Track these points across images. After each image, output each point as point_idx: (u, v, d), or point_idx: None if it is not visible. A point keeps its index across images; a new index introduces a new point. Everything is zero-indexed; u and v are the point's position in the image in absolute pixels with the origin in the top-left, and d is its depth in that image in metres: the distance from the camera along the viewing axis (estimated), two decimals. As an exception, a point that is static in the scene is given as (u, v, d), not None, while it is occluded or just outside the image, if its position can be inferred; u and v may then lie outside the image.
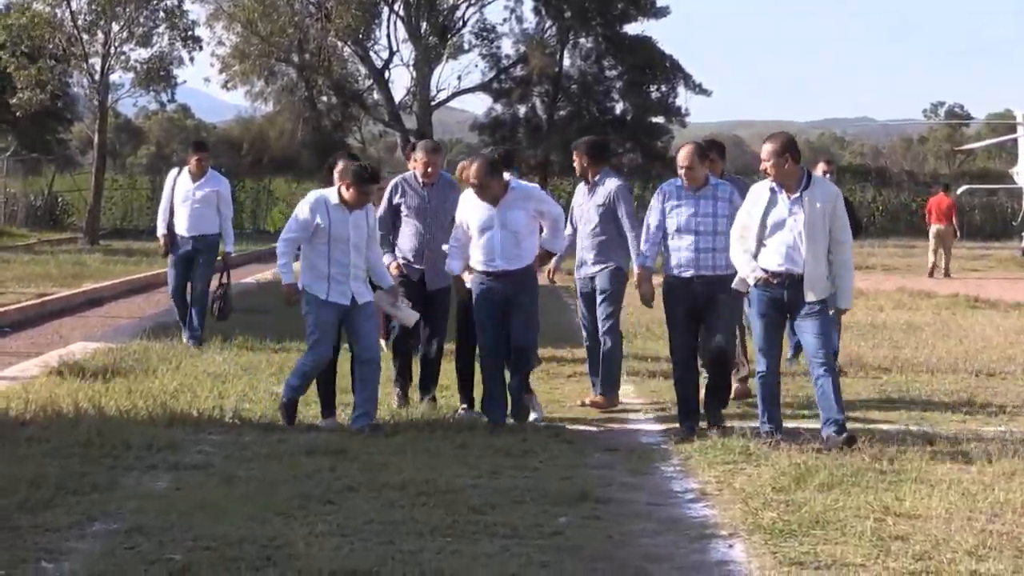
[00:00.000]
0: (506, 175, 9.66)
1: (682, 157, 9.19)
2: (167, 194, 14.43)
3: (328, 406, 9.68)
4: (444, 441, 9.12)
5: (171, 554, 6.54)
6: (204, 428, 9.64)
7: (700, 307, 9.15)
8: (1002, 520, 7.24)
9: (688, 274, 9.08)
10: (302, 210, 8.92)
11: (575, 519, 7.28)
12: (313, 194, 9.06)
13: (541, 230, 10.12)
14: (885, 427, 10.06)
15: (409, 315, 9.73)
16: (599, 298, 10.68)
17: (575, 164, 11.03)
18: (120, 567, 6.31)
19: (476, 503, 7.61)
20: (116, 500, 7.46)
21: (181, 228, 14.34)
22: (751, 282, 8.58)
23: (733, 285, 8.96)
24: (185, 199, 14.29)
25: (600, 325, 10.68)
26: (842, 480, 8.33)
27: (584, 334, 11.45)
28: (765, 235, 8.48)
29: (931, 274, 30.50)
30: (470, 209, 9.55)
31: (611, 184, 10.79)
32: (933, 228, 31.03)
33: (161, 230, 14.55)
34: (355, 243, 8.83)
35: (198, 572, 6.25)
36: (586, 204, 10.80)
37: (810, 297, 8.43)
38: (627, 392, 11.98)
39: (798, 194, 8.43)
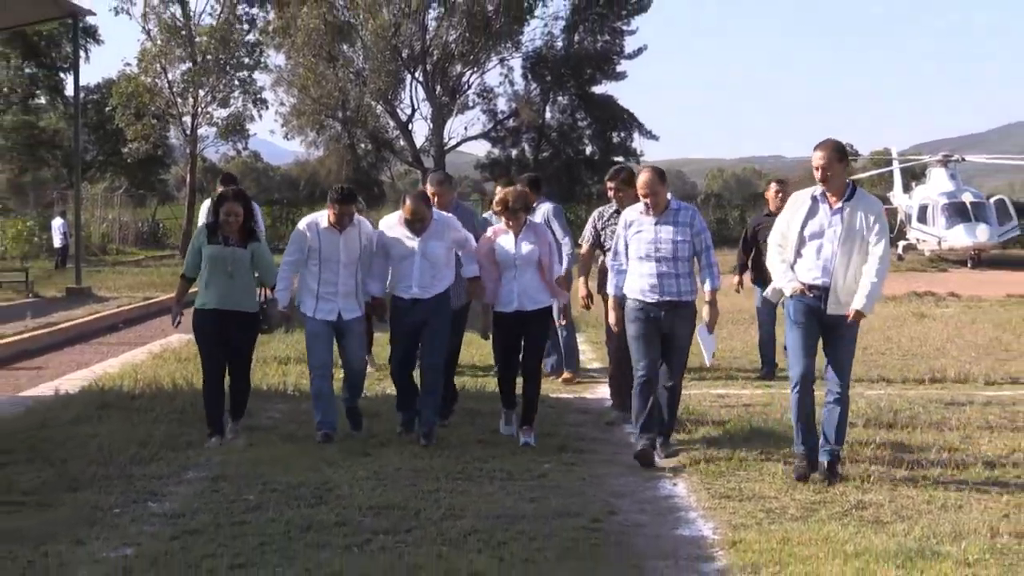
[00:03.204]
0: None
1: (642, 184, 7.50)
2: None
3: (214, 423, 7.94)
4: (456, 406, 9.10)
5: (247, 495, 6.58)
6: (272, 399, 9.63)
7: (663, 331, 7.42)
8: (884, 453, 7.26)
9: (652, 299, 7.35)
10: (296, 233, 7.93)
11: (556, 465, 7.35)
12: (305, 219, 8.09)
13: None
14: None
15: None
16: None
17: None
18: (208, 506, 6.36)
19: (480, 454, 7.65)
20: (204, 455, 7.54)
21: None
22: (788, 293, 6.86)
23: (765, 294, 7.67)
24: None
25: (556, 320, 9.56)
26: (762, 433, 8.35)
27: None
28: (803, 245, 6.85)
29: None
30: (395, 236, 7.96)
31: (545, 207, 10.29)
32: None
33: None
34: (345, 263, 7.76)
35: (267, 508, 6.28)
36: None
37: (833, 308, 6.70)
38: (593, 361, 12.03)
39: (840, 204, 6.74)
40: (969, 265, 32.41)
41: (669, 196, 7.69)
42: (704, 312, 7.71)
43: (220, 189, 8.89)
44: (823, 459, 6.89)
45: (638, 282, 7.45)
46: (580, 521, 6.10)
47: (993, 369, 11.89)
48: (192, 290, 8.11)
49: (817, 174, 6.78)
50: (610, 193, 9.04)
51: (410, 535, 5.80)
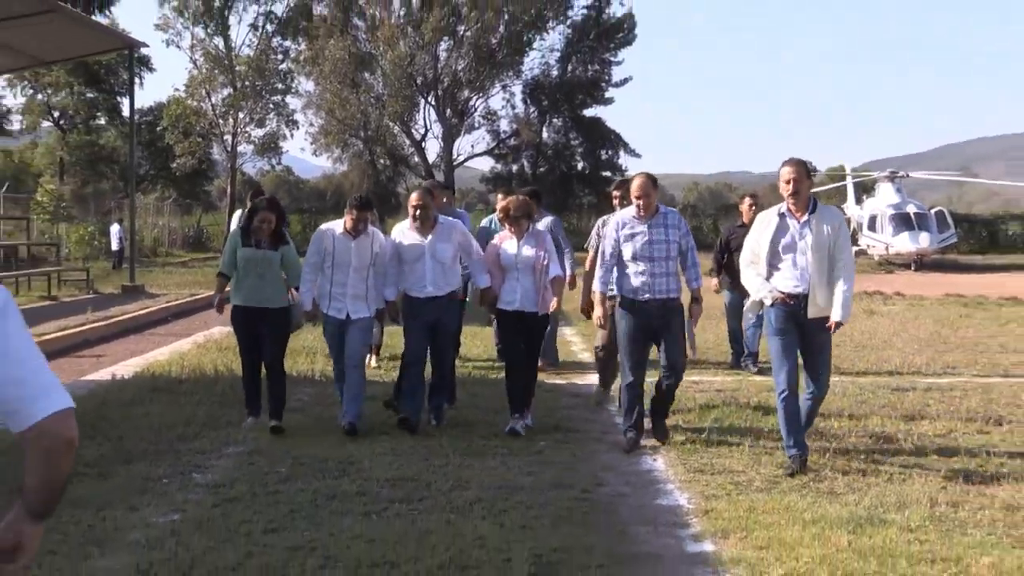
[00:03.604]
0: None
1: (636, 187, 7.19)
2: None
3: (251, 404, 7.83)
4: (462, 390, 9.10)
5: (279, 468, 6.60)
6: (301, 384, 9.61)
7: (654, 327, 7.10)
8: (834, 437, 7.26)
9: (644, 297, 7.03)
10: (314, 239, 7.68)
11: (551, 443, 7.36)
12: (322, 227, 7.87)
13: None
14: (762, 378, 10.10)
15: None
16: None
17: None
18: (245, 477, 6.39)
19: (484, 433, 7.65)
20: (242, 432, 7.53)
21: None
22: (768, 303, 6.55)
23: (747, 308, 7.45)
24: None
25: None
26: (731, 415, 8.35)
27: None
28: (777, 259, 6.51)
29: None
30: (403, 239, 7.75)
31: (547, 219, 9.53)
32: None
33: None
34: (356, 267, 7.51)
35: (297, 480, 6.30)
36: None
37: (812, 312, 6.39)
38: (583, 354, 12.04)
39: (806, 218, 6.48)
40: (913, 268, 32.47)
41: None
42: (689, 308, 7.43)
43: (249, 202, 8.66)
44: (793, 452, 6.53)
45: (631, 282, 7.14)
46: (572, 492, 6.11)
47: (933, 359, 11.92)
48: (226, 289, 8.00)
49: (788, 187, 6.52)
50: (615, 201, 8.66)
51: (422, 504, 5.81)
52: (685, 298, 7.35)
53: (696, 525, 5.50)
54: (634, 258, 7.07)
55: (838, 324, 6.47)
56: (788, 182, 6.46)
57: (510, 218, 7.67)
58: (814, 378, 6.65)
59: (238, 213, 10.86)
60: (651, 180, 7.25)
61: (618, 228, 7.23)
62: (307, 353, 11.46)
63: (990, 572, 4.73)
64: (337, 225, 7.63)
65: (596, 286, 7.42)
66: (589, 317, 8.47)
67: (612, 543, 5.18)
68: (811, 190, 6.71)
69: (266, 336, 7.65)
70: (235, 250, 7.63)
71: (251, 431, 7.57)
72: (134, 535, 5.24)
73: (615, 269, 7.26)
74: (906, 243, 33.24)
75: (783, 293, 6.48)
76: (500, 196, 9.29)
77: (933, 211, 36.64)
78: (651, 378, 7.47)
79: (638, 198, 7.14)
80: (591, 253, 8.57)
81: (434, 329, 7.68)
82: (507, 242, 7.66)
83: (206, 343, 12.78)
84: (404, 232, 7.67)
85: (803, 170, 6.54)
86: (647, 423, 7.36)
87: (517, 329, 7.67)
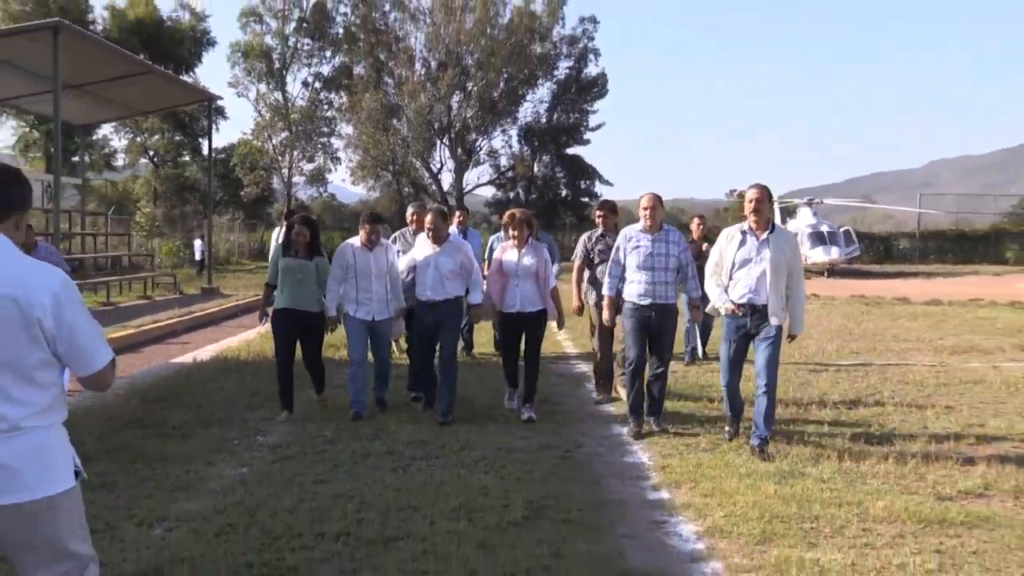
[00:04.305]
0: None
1: (645, 201, 6.70)
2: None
3: (284, 399, 7.18)
4: (471, 372, 9.08)
5: (325, 432, 6.59)
6: (341, 368, 9.57)
7: (652, 329, 6.60)
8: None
9: (646, 303, 6.54)
10: (337, 255, 7.18)
11: (540, 414, 7.27)
12: (342, 244, 7.32)
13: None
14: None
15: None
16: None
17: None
18: (298, 440, 6.37)
19: (487, 405, 7.62)
20: (296, 405, 7.33)
21: None
22: (722, 312, 6.15)
23: (707, 310, 6.61)
24: None
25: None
26: (683, 393, 8.34)
27: None
28: (734, 270, 6.09)
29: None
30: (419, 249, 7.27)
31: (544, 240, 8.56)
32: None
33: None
34: (376, 275, 7.09)
35: (339, 442, 6.29)
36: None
37: (773, 321, 5.94)
38: (568, 346, 12.04)
39: (765, 237, 6.02)
40: (826, 275, 32.40)
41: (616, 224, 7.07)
42: (691, 312, 7.17)
43: (285, 220, 8.12)
44: (754, 442, 5.99)
45: (635, 288, 6.62)
46: (557, 452, 6.11)
47: (841, 347, 11.93)
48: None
49: (751, 205, 6.08)
50: (597, 219, 8.17)
51: (438, 461, 5.80)
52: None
53: (655, 477, 5.51)
54: (638, 267, 6.61)
55: (791, 336, 6.14)
56: (751, 201, 6.09)
57: (515, 221, 7.20)
58: (768, 373, 5.97)
59: (277, 230, 9.94)
60: (657, 197, 6.76)
61: (626, 240, 6.74)
62: (342, 346, 11.42)
63: (884, 512, 4.75)
64: (355, 240, 7.21)
65: (605, 291, 6.89)
66: (578, 314, 8.25)
67: (588, 492, 5.19)
68: (771, 209, 6.26)
69: (304, 336, 7.16)
70: (277, 261, 7.21)
71: (303, 405, 7.46)
72: (211, 484, 5.25)
73: (621, 275, 6.78)
74: (820, 255, 33.30)
75: (735, 304, 6.04)
76: (507, 215, 9.02)
77: (842, 230, 36.65)
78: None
79: (646, 209, 6.67)
80: (577, 262, 8.16)
81: (436, 330, 7.07)
82: (509, 252, 7.21)
83: (267, 333, 12.60)
84: (421, 243, 7.24)
85: (765, 193, 6.13)
86: (652, 424, 6.74)
87: (517, 328, 7.21)
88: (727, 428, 6.44)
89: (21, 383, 2.45)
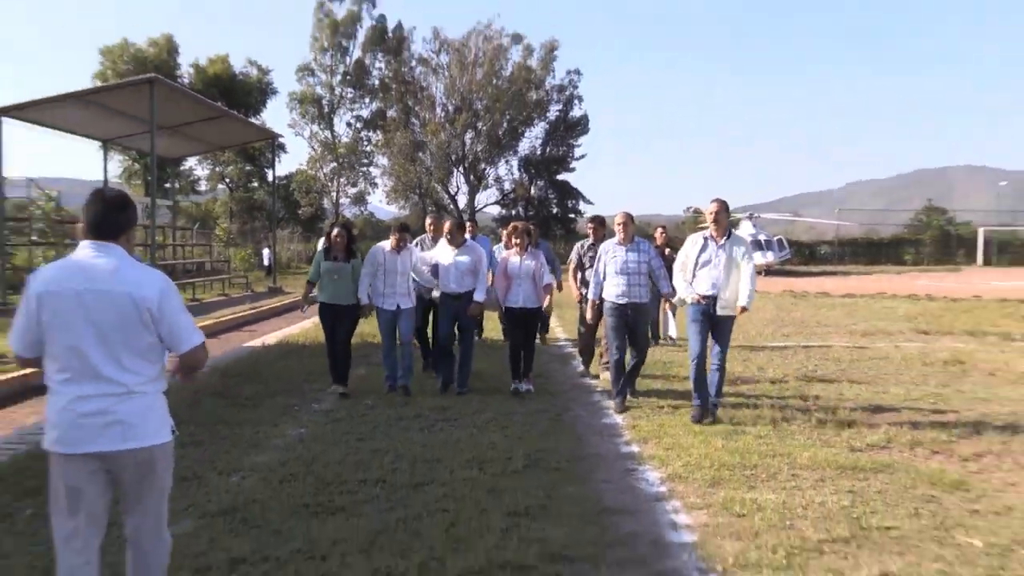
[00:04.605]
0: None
1: (619, 218, 6.56)
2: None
3: (335, 375, 7.00)
4: (480, 352, 8.83)
5: (366, 401, 6.59)
6: (376, 350, 9.57)
7: (629, 323, 6.38)
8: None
9: (623, 302, 6.36)
10: (369, 256, 6.98)
11: (536, 385, 7.21)
12: (374, 247, 7.10)
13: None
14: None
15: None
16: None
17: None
18: (345, 407, 6.36)
19: (496, 381, 7.56)
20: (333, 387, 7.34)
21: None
22: (689, 301, 5.98)
23: (674, 300, 6.44)
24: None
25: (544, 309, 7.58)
26: (657, 367, 8.35)
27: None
28: (697, 268, 5.95)
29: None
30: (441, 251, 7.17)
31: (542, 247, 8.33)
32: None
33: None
34: (401, 273, 6.90)
35: (377, 408, 6.28)
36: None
37: (726, 312, 5.88)
38: (559, 332, 12.03)
39: (723, 242, 5.93)
40: (763, 274, 32.32)
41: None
42: (665, 305, 6.95)
43: (327, 228, 7.87)
44: (708, 407, 5.90)
45: (613, 289, 6.43)
46: (549, 415, 6.12)
47: (775, 331, 11.88)
48: (313, 293, 7.28)
49: (711, 216, 5.94)
50: (589, 231, 8.04)
51: (456, 423, 5.80)
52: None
53: (626, 435, 5.51)
54: (616, 273, 6.43)
55: (744, 309, 5.95)
56: (712, 213, 5.95)
57: (517, 232, 7.10)
58: (721, 349, 5.94)
59: (321, 239, 9.34)
60: (629, 215, 6.59)
61: (605, 252, 6.58)
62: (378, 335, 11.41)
63: (808, 461, 4.76)
64: (385, 244, 7.05)
65: (590, 294, 6.67)
66: (580, 302, 7.97)
67: (574, 447, 5.19)
68: (728, 219, 6.05)
69: (338, 324, 7.00)
70: (319, 263, 7.08)
71: (351, 380, 7.40)
72: (276, 442, 5.26)
73: (602, 280, 6.58)
74: (758, 258, 33.14)
75: (699, 295, 5.91)
76: (509, 227, 8.90)
77: (775, 238, 36.52)
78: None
79: (619, 225, 6.53)
80: (572, 266, 8.09)
81: (456, 316, 7.01)
82: (512, 257, 7.10)
83: (319, 323, 12.68)
84: (442, 247, 7.17)
85: (723, 206, 5.98)
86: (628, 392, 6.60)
87: (519, 320, 7.07)
88: (694, 403, 6.02)
89: (135, 359, 2.56)
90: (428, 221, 8.27)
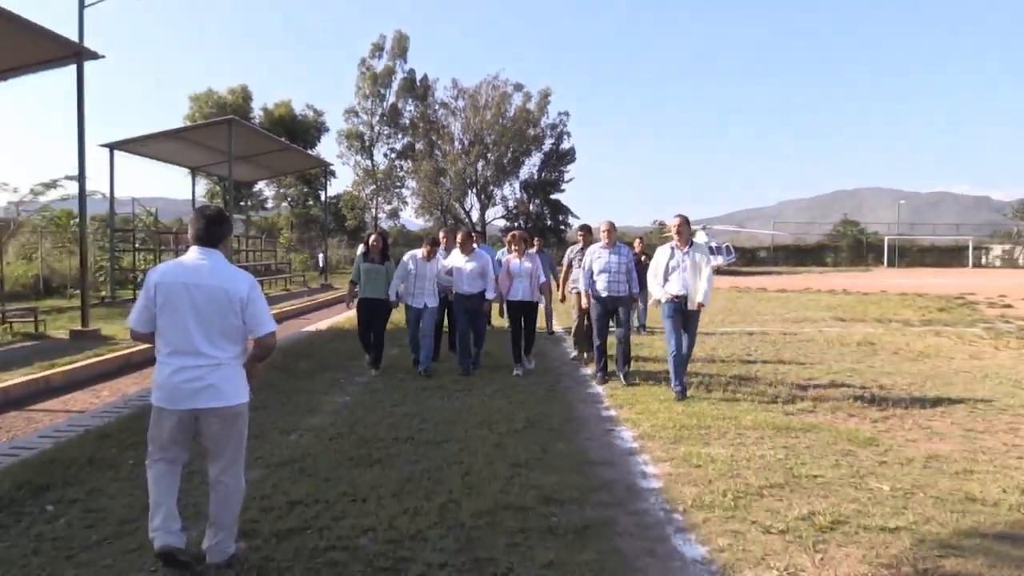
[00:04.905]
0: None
1: (604, 226, 6.47)
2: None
3: (368, 353, 6.86)
4: (489, 336, 8.61)
5: (399, 375, 6.54)
6: (403, 336, 9.57)
7: (609, 311, 6.25)
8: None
9: (606, 294, 6.20)
10: (403, 262, 6.81)
11: (535, 362, 7.18)
12: (407, 253, 6.95)
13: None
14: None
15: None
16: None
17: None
18: (381, 380, 6.33)
19: (502, 361, 7.48)
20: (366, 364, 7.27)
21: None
22: (663, 300, 5.74)
23: (651, 303, 6.19)
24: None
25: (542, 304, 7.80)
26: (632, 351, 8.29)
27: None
28: (668, 273, 5.76)
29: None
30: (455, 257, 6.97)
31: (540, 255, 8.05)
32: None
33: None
34: (428, 278, 6.73)
35: (407, 381, 6.24)
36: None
37: (692, 307, 5.71)
38: (554, 322, 11.97)
39: (687, 250, 5.79)
40: (714, 274, 32.22)
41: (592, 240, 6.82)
42: (632, 301, 6.74)
43: (365, 236, 7.71)
44: (676, 388, 5.62)
45: (599, 285, 6.28)
46: (545, 385, 6.09)
47: (724, 320, 11.84)
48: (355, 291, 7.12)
49: (674, 229, 5.85)
50: (579, 237, 7.80)
51: (470, 392, 5.78)
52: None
53: (606, 402, 5.48)
54: (600, 271, 6.29)
55: (701, 305, 5.82)
56: (675, 226, 5.87)
57: (516, 240, 7.08)
58: (689, 337, 5.78)
59: (361, 246, 9.63)
60: (612, 223, 6.53)
61: (591, 255, 6.43)
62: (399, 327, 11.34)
63: (751, 423, 4.72)
64: (417, 252, 6.94)
65: (581, 288, 6.47)
66: (562, 301, 8.00)
67: (564, 411, 5.16)
68: (689, 231, 6.02)
69: (374, 317, 6.84)
70: (359, 266, 6.97)
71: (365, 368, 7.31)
72: (326, 407, 5.23)
73: (591, 277, 6.47)
74: (712, 261, 33.16)
75: (672, 294, 5.72)
76: (509, 236, 8.83)
77: (725, 244, 36.53)
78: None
79: (605, 231, 6.42)
80: (564, 267, 7.95)
81: (469, 312, 6.87)
82: (513, 260, 7.05)
83: (350, 319, 12.62)
84: (455, 255, 7.08)
85: (685, 220, 5.90)
86: (621, 377, 6.26)
87: (518, 310, 6.98)
88: (674, 388, 5.64)
89: (226, 339, 2.68)
90: (441, 234, 8.15)
